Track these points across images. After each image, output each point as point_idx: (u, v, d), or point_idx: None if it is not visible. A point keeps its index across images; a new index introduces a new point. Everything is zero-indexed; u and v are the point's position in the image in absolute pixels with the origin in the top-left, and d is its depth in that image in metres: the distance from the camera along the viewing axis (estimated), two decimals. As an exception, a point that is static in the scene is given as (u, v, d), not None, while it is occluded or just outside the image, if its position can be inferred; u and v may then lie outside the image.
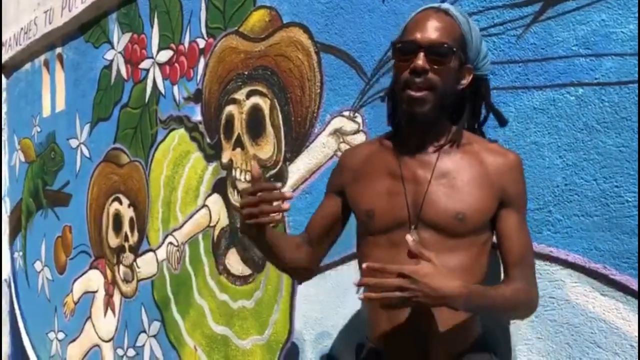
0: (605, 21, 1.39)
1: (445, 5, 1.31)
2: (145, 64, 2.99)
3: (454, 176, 1.30)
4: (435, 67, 1.24)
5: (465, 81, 1.32)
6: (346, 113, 1.98)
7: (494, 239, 1.37)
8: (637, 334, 1.34)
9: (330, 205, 1.49)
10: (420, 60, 1.23)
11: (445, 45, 1.25)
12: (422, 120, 1.28)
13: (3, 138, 4.49)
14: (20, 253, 4.28)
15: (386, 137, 1.43)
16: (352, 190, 1.41)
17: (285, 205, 1.24)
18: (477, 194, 1.30)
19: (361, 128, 1.92)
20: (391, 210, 1.31)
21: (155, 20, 2.91)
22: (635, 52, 1.34)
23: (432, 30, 1.25)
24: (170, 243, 2.80)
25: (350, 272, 1.91)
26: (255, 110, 2.33)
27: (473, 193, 1.30)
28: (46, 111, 3.91)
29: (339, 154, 1.94)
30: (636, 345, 1.34)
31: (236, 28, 2.42)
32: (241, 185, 2.39)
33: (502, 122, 1.47)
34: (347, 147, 1.93)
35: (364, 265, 1.19)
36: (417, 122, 1.30)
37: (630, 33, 1.35)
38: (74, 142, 3.58)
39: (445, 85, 1.26)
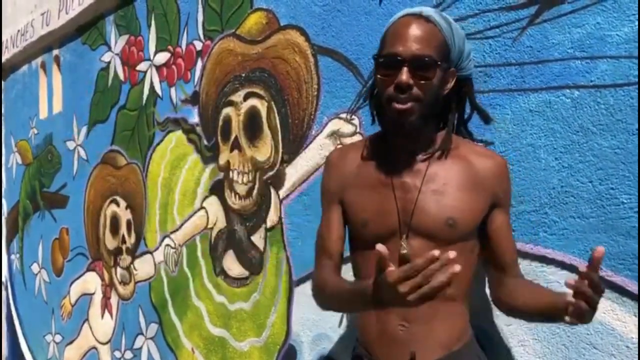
0: (600, 24, 1.39)
1: (426, 11, 1.28)
2: (142, 66, 2.99)
3: (444, 182, 1.30)
4: (420, 81, 1.22)
5: (449, 85, 1.31)
6: (343, 115, 1.98)
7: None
8: (632, 335, 1.34)
9: (337, 218, 1.41)
10: (404, 76, 1.21)
11: (429, 59, 1.22)
12: (410, 130, 1.27)
13: (1, 140, 4.48)
14: (17, 255, 4.27)
15: (374, 140, 1.41)
16: (348, 198, 1.38)
17: (456, 267, 0.99)
18: (466, 198, 1.30)
19: (358, 130, 1.93)
20: (383, 219, 1.31)
21: (153, 22, 2.91)
22: (630, 54, 1.35)
23: (414, 42, 1.22)
24: (168, 245, 2.80)
25: (348, 273, 1.92)
26: (253, 112, 2.34)
27: (463, 198, 1.29)
28: (43, 113, 3.91)
29: (337, 149, 1.92)
30: (632, 346, 1.34)
31: (233, 30, 2.43)
32: (239, 188, 2.40)
33: (487, 120, 1.47)
34: (344, 144, 1.92)
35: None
36: (404, 132, 1.29)
37: (625, 36, 1.36)
38: (71, 144, 3.58)
39: (430, 96, 1.25)
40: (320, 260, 1.40)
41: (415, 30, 1.23)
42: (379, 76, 1.27)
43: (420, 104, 1.24)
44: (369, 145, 1.41)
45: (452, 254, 0.96)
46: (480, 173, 1.31)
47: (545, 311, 1.22)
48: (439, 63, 1.24)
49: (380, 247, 1.03)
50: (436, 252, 0.97)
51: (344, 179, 1.40)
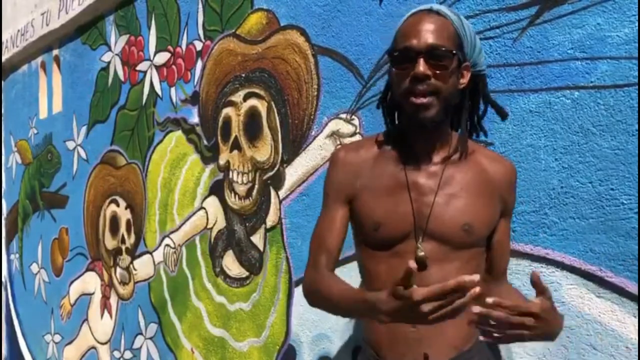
0: (600, 25, 1.39)
1: (436, 6, 1.28)
2: (142, 66, 2.99)
3: (460, 186, 1.28)
4: (437, 71, 1.21)
5: (464, 80, 1.30)
6: (343, 115, 1.98)
7: None
8: (632, 336, 1.34)
9: (342, 216, 1.36)
10: (421, 67, 1.20)
11: (444, 49, 1.22)
12: (429, 125, 1.25)
13: (0, 140, 4.48)
14: (17, 255, 4.27)
15: (387, 140, 1.38)
16: (361, 199, 1.34)
17: (477, 289, 1.02)
18: (482, 204, 1.29)
19: (358, 130, 1.93)
20: (397, 222, 1.28)
21: (153, 22, 2.91)
22: (630, 55, 1.35)
23: (428, 34, 1.22)
24: (167, 245, 2.80)
25: (348, 274, 1.91)
26: (253, 112, 2.34)
27: (478, 203, 1.28)
28: (43, 113, 3.91)
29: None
30: (632, 347, 1.34)
31: (233, 30, 2.43)
32: (238, 188, 2.40)
33: (503, 115, 1.46)
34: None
35: (489, 300, 1.08)
36: (424, 128, 1.26)
37: (625, 37, 1.36)
38: (70, 144, 3.58)
39: (448, 88, 1.24)
40: (318, 257, 1.35)
41: (427, 24, 1.24)
42: (395, 71, 1.26)
43: (438, 97, 1.23)
44: (382, 144, 1.37)
45: (476, 277, 0.99)
46: (494, 179, 1.30)
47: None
48: (454, 52, 1.24)
49: (411, 263, 1.02)
50: (466, 278, 0.99)
51: (356, 177, 1.35)
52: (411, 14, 1.29)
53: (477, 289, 0.99)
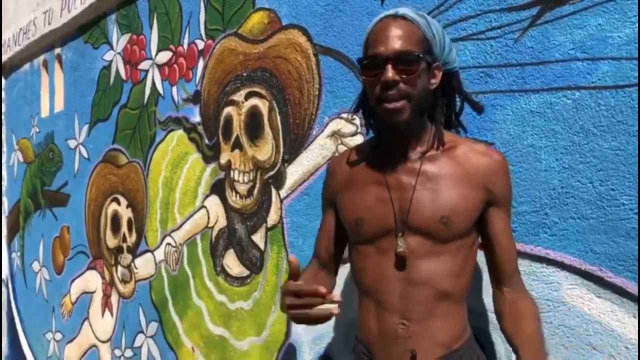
0: (601, 25, 1.40)
1: (402, 10, 1.30)
2: (144, 65, 2.99)
3: (438, 180, 1.30)
4: (405, 76, 1.24)
5: (435, 80, 1.32)
6: (344, 115, 1.98)
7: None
8: (631, 336, 1.35)
9: (331, 220, 1.49)
10: (390, 73, 1.23)
11: (411, 53, 1.24)
12: (403, 127, 1.29)
13: (2, 138, 4.49)
14: (18, 253, 4.28)
15: (372, 143, 1.44)
16: (340, 199, 1.42)
17: (336, 310, 1.15)
18: (461, 197, 1.29)
19: (359, 130, 1.93)
20: (379, 218, 1.32)
21: (155, 21, 2.92)
22: (631, 56, 1.35)
23: (395, 40, 1.25)
24: (169, 244, 2.80)
25: (347, 273, 1.92)
26: (254, 111, 2.34)
27: (457, 196, 1.29)
28: (45, 112, 3.92)
29: (337, 155, 1.95)
30: (631, 347, 1.35)
31: (235, 30, 2.43)
32: (240, 187, 2.40)
33: (478, 109, 1.48)
34: (345, 149, 1.94)
35: None
36: (398, 130, 1.30)
37: (627, 37, 1.36)
38: (72, 143, 3.59)
39: (418, 91, 1.26)
40: (311, 259, 1.55)
41: (393, 29, 1.26)
42: (364, 78, 1.30)
43: (410, 100, 1.25)
44: (366, 147, 1.44)
45: (337, 297, 1.13)
46: (474, 170, 1.31)
47: None
48: (421, 56, 1.25)
49: (291, 257, 1.17)
50: (322, 289, 1.12)
51: (338, 183, 1.44)
52: (378, 20, 1.31)
53: (336, 311, 1.13)
